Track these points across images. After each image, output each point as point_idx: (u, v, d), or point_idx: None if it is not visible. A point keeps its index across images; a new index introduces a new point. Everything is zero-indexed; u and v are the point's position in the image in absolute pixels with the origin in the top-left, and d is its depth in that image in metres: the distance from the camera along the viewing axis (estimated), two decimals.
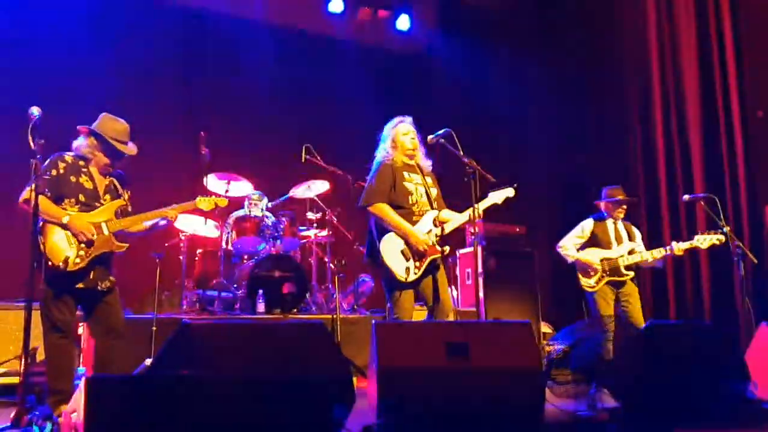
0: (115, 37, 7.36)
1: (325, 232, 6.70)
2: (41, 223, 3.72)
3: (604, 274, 5.20)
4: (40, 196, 3.63)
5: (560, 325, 6.14)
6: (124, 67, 7.44)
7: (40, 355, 4.27)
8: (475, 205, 4.10)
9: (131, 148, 4.06)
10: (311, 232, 6.76)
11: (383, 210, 4.24)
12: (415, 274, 4.18)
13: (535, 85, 8.25)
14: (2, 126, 6.67)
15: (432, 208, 4.35)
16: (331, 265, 6.56)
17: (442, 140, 4.35)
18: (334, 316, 5.70)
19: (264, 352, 2.42)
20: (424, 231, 4.24)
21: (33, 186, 3.49)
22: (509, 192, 4.48)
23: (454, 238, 4.48)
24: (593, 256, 5.29)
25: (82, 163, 3.95)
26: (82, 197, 3.88)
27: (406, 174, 4.37)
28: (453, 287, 6.58)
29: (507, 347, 2.91)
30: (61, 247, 3.74)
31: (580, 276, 5.33)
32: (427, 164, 4.52)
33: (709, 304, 6.40)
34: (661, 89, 7.07)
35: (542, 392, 3.09)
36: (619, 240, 5.35)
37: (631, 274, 5.23)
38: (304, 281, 6.23)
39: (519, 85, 8.27)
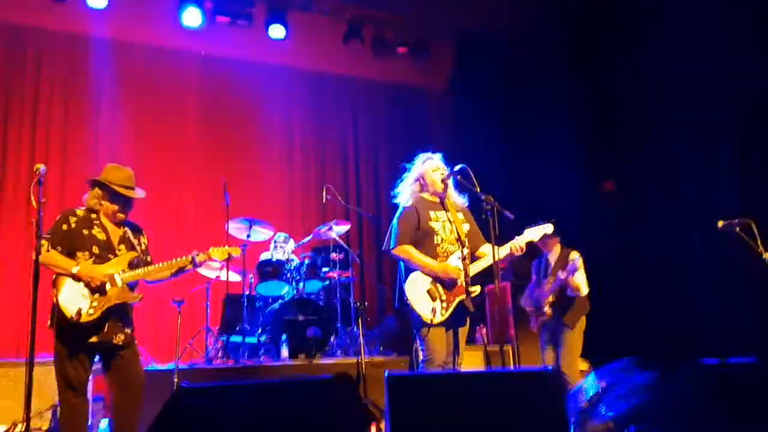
0: (134, 86, 7.47)
1: (348, 272, 6.56)
2: (54, 277, 3.73)
3: None
4: (52, 250, 3.71)
5: (599, 361, 5.82)
6: (143, 116, 7.53)
7: None
8: (495, 246, 3.87)
9: (138, 193, 4.02)
10: (335, 273, 6.63)
11: (408, 251, 4.08)
12: (442, 315, 3.97)
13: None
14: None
15: (462, 246, 4.08)
16: (355, 305, 6.40)
17: (459, 177, 4.18)
18: (359, 360, 5.53)
19: (267, 418, 2.25)
20: (454, 264, 4.02)
21: (38, 243, 3.51)
22: (548, 228, 4.26)
23: (485, 273, 4.24)
24: None
25: (93, 215, 3.94)
26: (95, 249, 3.85)
27: (431, 213, 4.18)
28: (483, 324, 6.35)
29: (528, 400, 2.71)
30: (74, 299, 3.71)
31: None
32: (460, 200, 4.34)
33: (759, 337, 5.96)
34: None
35: None
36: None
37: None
38: (329, 324, 6.08)
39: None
